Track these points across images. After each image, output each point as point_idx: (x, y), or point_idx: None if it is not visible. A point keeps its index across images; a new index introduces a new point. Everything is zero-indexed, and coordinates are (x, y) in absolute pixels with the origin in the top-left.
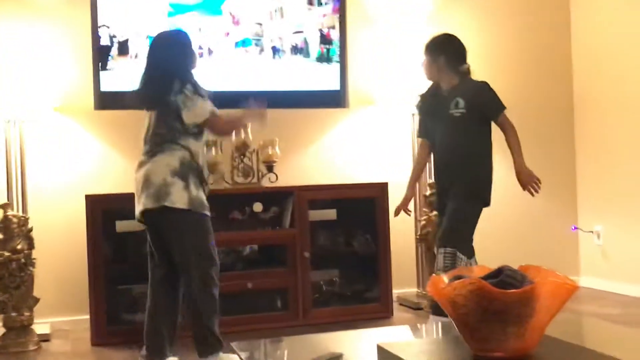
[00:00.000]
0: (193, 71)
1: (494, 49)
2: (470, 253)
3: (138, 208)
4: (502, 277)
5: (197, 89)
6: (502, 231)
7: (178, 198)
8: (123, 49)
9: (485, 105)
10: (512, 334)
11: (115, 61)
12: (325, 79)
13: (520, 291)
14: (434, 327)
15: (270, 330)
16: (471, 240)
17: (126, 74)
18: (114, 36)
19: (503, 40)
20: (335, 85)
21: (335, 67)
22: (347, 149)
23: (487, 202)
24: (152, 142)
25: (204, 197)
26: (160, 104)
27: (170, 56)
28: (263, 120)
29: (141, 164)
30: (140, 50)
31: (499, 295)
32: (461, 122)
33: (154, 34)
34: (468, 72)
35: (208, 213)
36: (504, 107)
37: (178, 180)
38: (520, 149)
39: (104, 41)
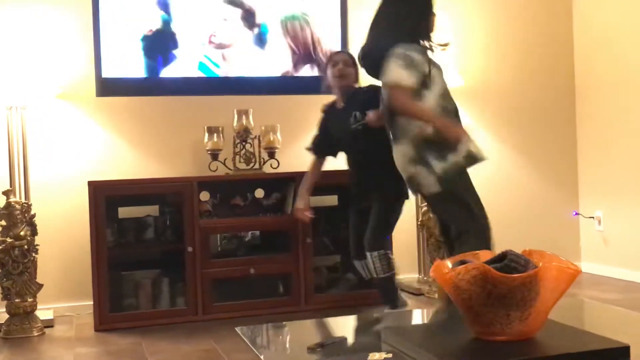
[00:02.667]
0: None
1: (496, 35)
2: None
3: None
4: (506, 261)
5: None
6: (505, 217)
7: None
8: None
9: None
10: (515, 318)
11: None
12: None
13: (524, 275)
14: (437, 313)
15: (272, 315)
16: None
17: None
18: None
19: (505, 26)
20: None
21: None
22: None
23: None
24: None
25: None
26: None
27: None
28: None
29: None
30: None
31: (503, 279)
32: None
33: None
34: None
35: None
36: None
37: None
38: None
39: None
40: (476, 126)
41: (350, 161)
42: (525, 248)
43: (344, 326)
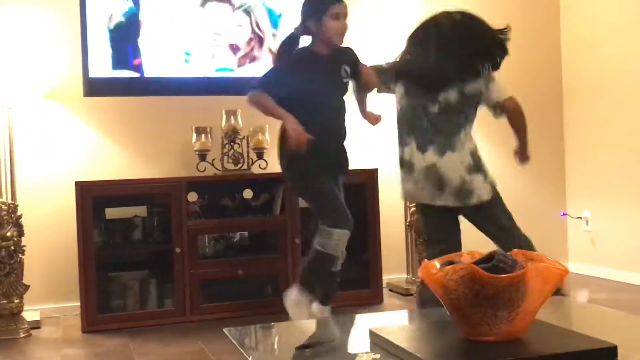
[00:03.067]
0: None
1: None
2: None
3: None
4: (493, 261)
5: None
6: None
7: None
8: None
9: None
10: (503, 318)
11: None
12: None
13: (511, 276)
14: (424, 313)
15: (261, 316)
16: None
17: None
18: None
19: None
20: None
21: None
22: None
23: None
24: None
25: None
26: None
27: None
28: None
29: None
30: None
31: (491, 280)
32: None
33: None
34: None
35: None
36: None
37: None
38: None
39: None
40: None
41: (320, 121)
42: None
43: (333, 327)
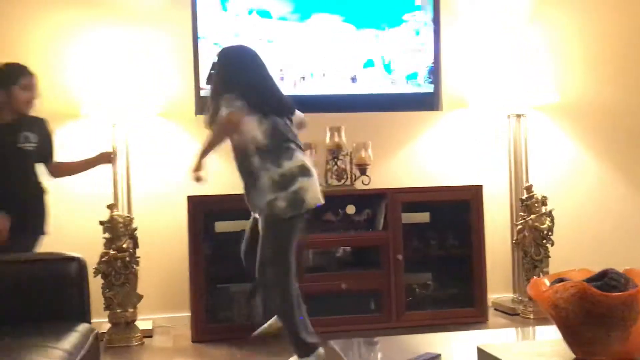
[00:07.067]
0: None
1: (594, 50)
2: None
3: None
4: (605, 279)
5: None
6: (605, 235)
7: None
8: None
9: None
10: (615, 337)
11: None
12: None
13: (624, 294)
14: (533, 331)
15: (362, 331)
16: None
17: None
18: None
19: (607, 39)
20: (429, 88)
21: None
22: (440, 152)
23: None
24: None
25: None
26: None
27: None
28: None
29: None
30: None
31: (602, 298)
32: None
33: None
34: None
35: None
36: None
37: None
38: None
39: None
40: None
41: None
42: (625, 267)
43: (438, 343)
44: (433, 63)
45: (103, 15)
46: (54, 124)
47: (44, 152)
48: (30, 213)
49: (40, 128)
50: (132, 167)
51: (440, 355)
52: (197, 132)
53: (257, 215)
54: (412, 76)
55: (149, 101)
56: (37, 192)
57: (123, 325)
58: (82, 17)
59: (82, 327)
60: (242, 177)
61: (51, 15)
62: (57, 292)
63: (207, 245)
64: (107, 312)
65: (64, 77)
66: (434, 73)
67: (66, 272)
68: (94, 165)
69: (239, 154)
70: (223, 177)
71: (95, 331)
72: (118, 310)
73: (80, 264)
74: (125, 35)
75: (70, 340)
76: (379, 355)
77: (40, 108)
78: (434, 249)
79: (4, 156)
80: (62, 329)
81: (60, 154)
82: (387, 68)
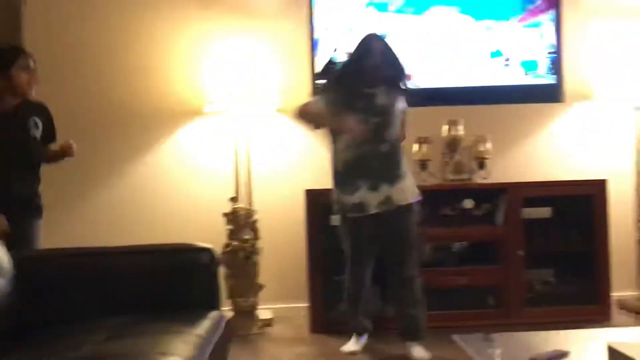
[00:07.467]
0: None
1: None
2: None
3: None
4: None
5: None
6: None
7: None
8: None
9: None
10: None
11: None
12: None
13: None
14: None
15: (481, 327)
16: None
17: None
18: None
19: None
20: (550, 79)
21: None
22: (562, 145)
23: None
24: None
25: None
26: None
27: None
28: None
29: None
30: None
31: None
32: None
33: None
34: None
35: (349, 214)
36: None
37: None
38: None
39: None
40: None
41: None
42: None
43: (564, 340)
44: (555, 54)
45: (230, 24)
46: (181, 120)
47: (48, 137)
48: (34, 198)
49: (44, 112)
50: (253, 162)
51: (568, 352)
52: None
53: (370, 212)
54: (532, 67)
55: (269, 97)
56: (39, 177)
57: (244, 313)
58: (213, 28)
59: (214, 314)
60: (378, 174)
61: (189, 28)
62: (189, 281)
63: (324, 238)
64: (229, 301)
65: (197, 78)
66: (556, 64)
67: (198, 261)
68: (60, 158)
69: (393, 149)
70: None
71: (226, 318)
72: (240, 299)
73: (211, 254)
74: (247, 36)
75: (204, 326)
76: (504, 350)
77: (170, 106)
78: (556, 244)
79: (15, 142)
80: (195, 316)
81: (186, 149)
82: (507, 60)
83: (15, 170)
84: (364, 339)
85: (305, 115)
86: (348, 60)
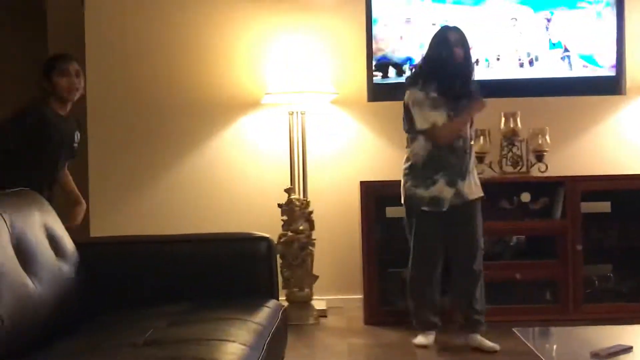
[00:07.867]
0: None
1: None
2: None
3: None
4: None
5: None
6: None
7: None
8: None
9: None
10: None
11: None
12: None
13: None
14: None
15: (538, 321)
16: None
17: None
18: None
19: None
20: (610, 72)
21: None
22: (623, 138)
23: None
24: None
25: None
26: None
27: None
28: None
29: None
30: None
31: None
32: None
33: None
34: None
35: (424, 208)
36: None
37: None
38: None
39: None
40: None
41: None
42: None
43: (626, 335)
44: (616, 45)
45: (291, 19)
46: (241, 111)
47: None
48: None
49: (80, 129)
50: (308, 153)
51: (632, 347)
52: (369, 119)
53: (445, 207)
54: (592, 59)
55: (324, 89)
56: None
57: (299, 304)
58: (275, 23)
59: (272, 302)
60: (455, 170)
61: (253, 24)
62: (248, 270)
63: (379, 230)
64: (285, 291)
65: (259, 70)
66: (617, 56)
67: (257, 251)
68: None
69: (465, 144)
70: (394, 163)
71: (284, 307)
72: (295, 290)
73: (269, 243)
74: (306, 30)
75: (263, 314)
76: (564, 345)
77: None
78: (615, 240)
79: (60, 147)
80: (254, 304)
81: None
82: (566, 51)
83: (59, 170)
84: (433, 333)
85: (448, 136)
86: (438, 60)
